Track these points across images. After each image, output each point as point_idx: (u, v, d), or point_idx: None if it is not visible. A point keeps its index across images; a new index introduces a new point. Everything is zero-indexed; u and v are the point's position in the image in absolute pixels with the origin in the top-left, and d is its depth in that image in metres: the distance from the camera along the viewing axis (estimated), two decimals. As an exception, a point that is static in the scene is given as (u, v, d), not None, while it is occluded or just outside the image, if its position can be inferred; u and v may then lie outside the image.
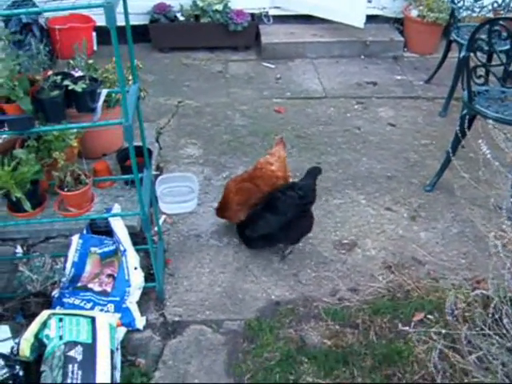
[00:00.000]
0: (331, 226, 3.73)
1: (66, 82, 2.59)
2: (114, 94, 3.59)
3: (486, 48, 3.69)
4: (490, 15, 5.64)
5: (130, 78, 3.30)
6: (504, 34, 3.56)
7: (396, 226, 3.76)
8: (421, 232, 3.71)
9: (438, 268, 3.42)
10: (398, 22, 6.54)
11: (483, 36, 3.63)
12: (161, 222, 3.68)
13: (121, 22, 2.52)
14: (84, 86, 2.58)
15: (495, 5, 5.47)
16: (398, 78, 5.80)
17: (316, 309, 3.14)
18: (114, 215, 3.19)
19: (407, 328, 2.71)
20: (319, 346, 2.93)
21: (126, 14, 2.65)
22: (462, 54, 3.75)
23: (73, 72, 3.04)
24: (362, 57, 6.21)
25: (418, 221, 3.80)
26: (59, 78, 2.62)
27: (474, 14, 5.74)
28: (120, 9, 2.56)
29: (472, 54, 3.71)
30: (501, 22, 3.53)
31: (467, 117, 3.78)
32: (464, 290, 3.18)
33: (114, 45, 2.32)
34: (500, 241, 3.81)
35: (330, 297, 3.23)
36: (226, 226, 3.67)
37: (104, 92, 2.72)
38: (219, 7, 5.99)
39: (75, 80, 2.62)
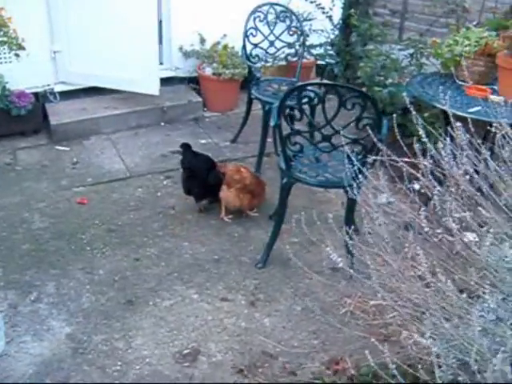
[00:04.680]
0: (166, 335, 3.22)
1: None
2: None
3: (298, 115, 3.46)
4: (283, 63, 5.61)
5: None
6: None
7: (236, 317, 3.36)
8: (264, 318, 3.37)
9: (292, 358, 3.09)
10: (193, 82, 6.28)
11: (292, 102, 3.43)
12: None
13: None
14: None
15: (288, 56, 5.43)
16: (203, 141, 5.51)
17: None
18: None
19: None
20: None
21: None
22: (272, 123, 3.48)
23: None
24: (162, 123, 5.85)
25: (258, 306, 3.46)
26: None
27: (268, 64, 5.68)
28: None
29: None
30: (309, 88, 3.32)
31: (288, 185, 3.58)
32: (324, 377, 2.92)
33: None
34: (346, 309, 3.61)
35: (180, 425, 2.77)
36: (45, 365, 3.05)
37: None
38: (-4, 92, 5.34)
39: None
